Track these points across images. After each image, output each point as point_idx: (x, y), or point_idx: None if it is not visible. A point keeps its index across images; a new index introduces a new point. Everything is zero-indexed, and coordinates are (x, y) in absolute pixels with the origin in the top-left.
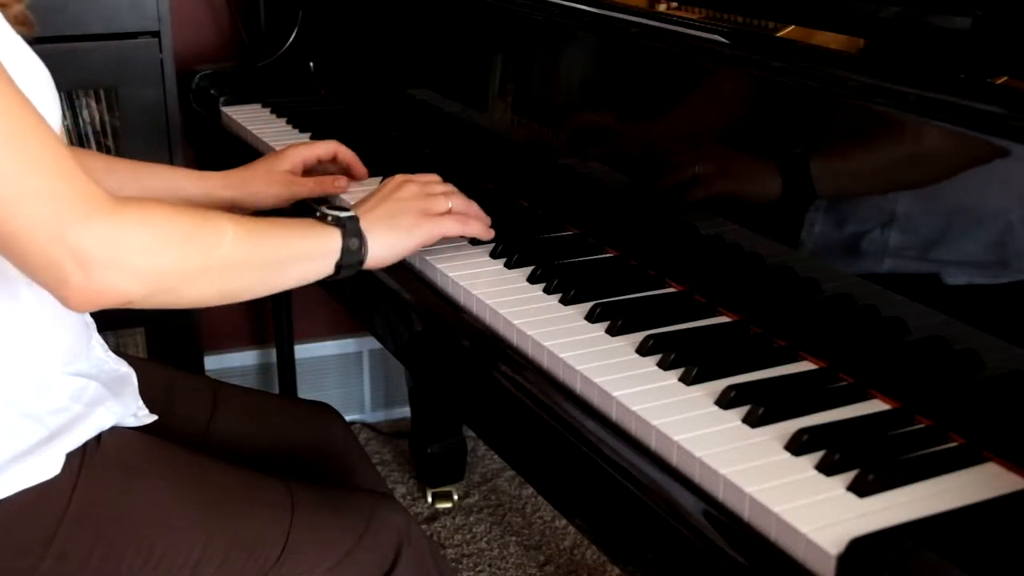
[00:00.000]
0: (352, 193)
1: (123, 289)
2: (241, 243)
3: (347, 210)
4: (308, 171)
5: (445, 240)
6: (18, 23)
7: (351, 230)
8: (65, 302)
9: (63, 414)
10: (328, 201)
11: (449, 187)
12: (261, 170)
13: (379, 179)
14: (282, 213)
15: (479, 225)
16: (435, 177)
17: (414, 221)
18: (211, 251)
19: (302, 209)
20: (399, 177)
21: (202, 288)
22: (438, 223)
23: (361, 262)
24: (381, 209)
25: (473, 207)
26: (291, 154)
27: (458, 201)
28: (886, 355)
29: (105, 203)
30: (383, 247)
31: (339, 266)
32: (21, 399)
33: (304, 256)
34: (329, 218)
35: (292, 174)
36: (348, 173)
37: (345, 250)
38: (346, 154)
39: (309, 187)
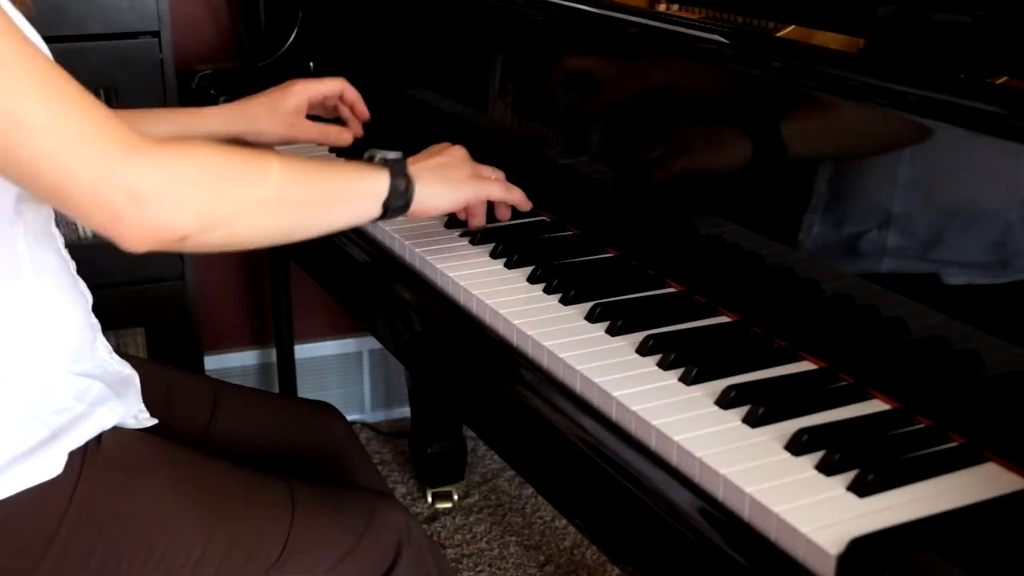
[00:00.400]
0: None
1: (178, 222)
2: (288, 179)
3: (396, 151)
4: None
5: (446, 240)
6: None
7: (398, 170)
8: (121, 240)
9: (66, 414)
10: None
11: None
12: (265, 105)
13: None
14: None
15: (521, 195)
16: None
17: (463, 176)
18: (259, 186)
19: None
20: (447, 144)
21: (254, 223)
22: (485, 184)
23: (407, 204)
24: (432, 161)
25: (509, 184)
26: (297, 91)
27: (501, 174)
28: (886, 355)
29: (146, 141)
30: (430, 193)
31: (386, 206)
32: (26, 399)
33: (352, 195)
34: (377, 158)
35: (297, 114)
36: (352, 111)
37: (392, 190)
38: (351, 93)
39: (312, 135)
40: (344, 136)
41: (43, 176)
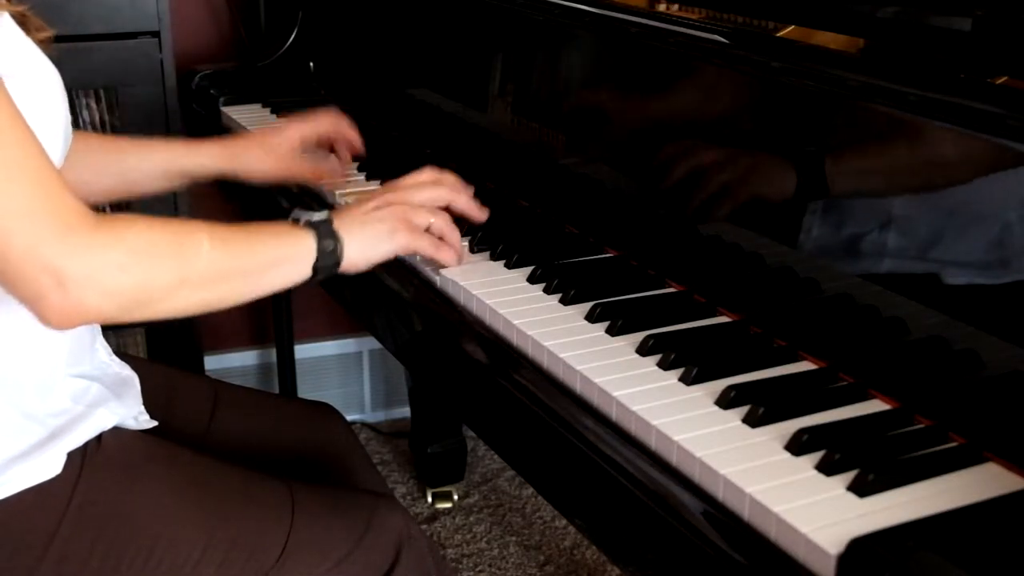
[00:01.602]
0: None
1: (100, 307)
2: (217, 254)
3: (321, 212)
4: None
5: None
6: (25, 27)
7: (324, 232)
8: (42, 318)
9: (64, 415)
10: (303, 202)
11: (437, 192)
12: (257, 143)
13: (378, 182)
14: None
15: (449, 254)
16: (427, 178)
17: (391, 228)
18: (188, 265)
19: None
20: (383, 188)
21: (180, 301)
22: (415, 237)
23: (337, 263)
24: (358, 212)
25: (454, 231)
26: (289, 133)
27: (439, 221)
28: (886, 355)
29: (83, 220)
30: (359, 249)
31: (316, 268)
32: (24, 400)
33: (280, 261)
34: (302, 221)
35: (291, 153)
36: (350, 147)
37: (320, 251)
38: (343, 128)
39: (304, 174)
40: (336, 174)
41: None
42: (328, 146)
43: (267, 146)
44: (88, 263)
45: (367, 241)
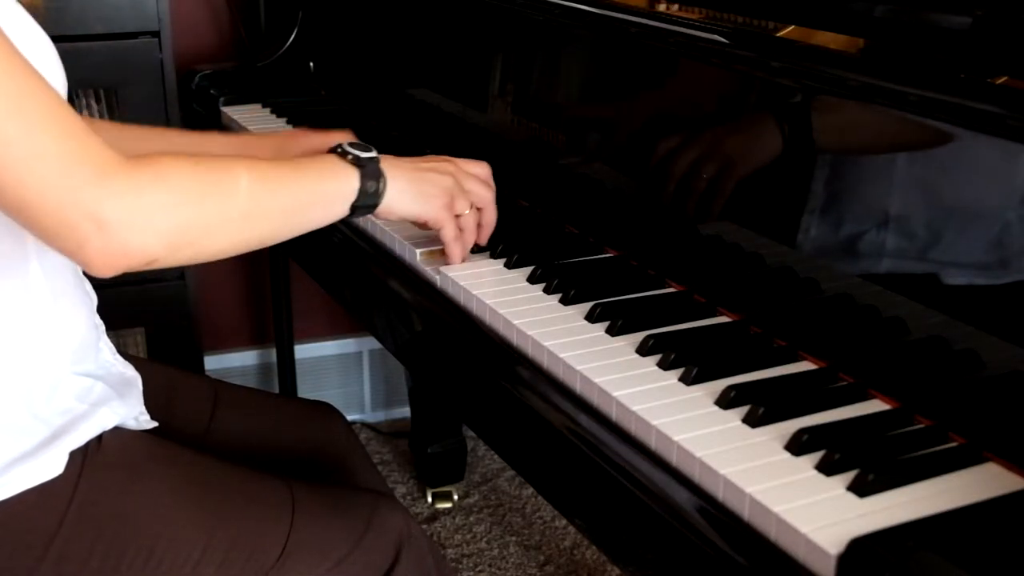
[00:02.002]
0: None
1: (145, 248)
2: (257, 190)
3: (370, 149)
4: None
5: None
6: None
7: (370, 171)
8: (87, 266)
9: (68, 414)
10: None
11: (484, 194)
12: (271, 146)
13: None
14: None
15: (460, 250)
16: (484, 173)
17: (436, 194)
18: (229, 201)
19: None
20: (442, 157)
21: (224, 239)
22: (446, 216)
23: (375, 205)
24: (410, 165)
25: (473, 234)
26: (307, 141)
27: (471, 220)
28: (886, 355)
29: (118, 162)
30: (399, 198)
31: (353, 207)
32: (30, 399)
33: (321, 199)
34: (349, 156)
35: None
36: None
37: (362, 191)
38: None
39: None
40: None
41: (6, 193)
42: None
43: (282, 151)
44: (129, 205)
45: (408, 193)
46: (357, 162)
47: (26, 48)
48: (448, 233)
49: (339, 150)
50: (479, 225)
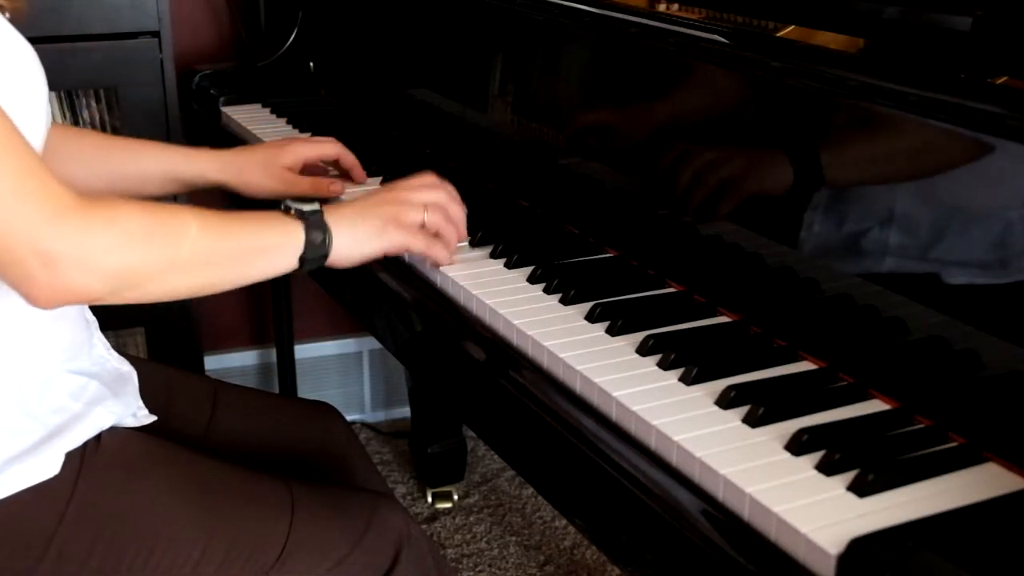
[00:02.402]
0: (350, 194)
1: (88, 287)
2: (205, 239)
3: (313, 203)
4: (307, 168)
5: None
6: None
7: (314, 223)
8: (30, 299)
9: (62, 413)
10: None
11: (436, 195)
12: (259, 159)
13: (379, 180)
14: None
15: (443, 252)
16: (428, 180)
17: (382, 226)
18: (175, 249)
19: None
20: (382, 192)
21: (167, 284)
22: (407, 235)
23: (325, 256)
24: (350, 208)
25: (450, 227)
26: (293, 150)
27: (435, 217)
28: (886, 355)
29: (71, 202)
30: (348, 244)
31: (302, 259)
32: (22, 397)
33: (267, 249)
34: (292, 211)
35: (292, 170)
36: (347, 176)
37: (308, 243)
38: (348, 158)
39: (304, 188)
40: (335, 187)
41: None
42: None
43: (270, 165)
44: (77, 244)
45: (357, 237)
46: (300, 215)
47: (2, 61)
48: (417, 246)
49: (283, 207)
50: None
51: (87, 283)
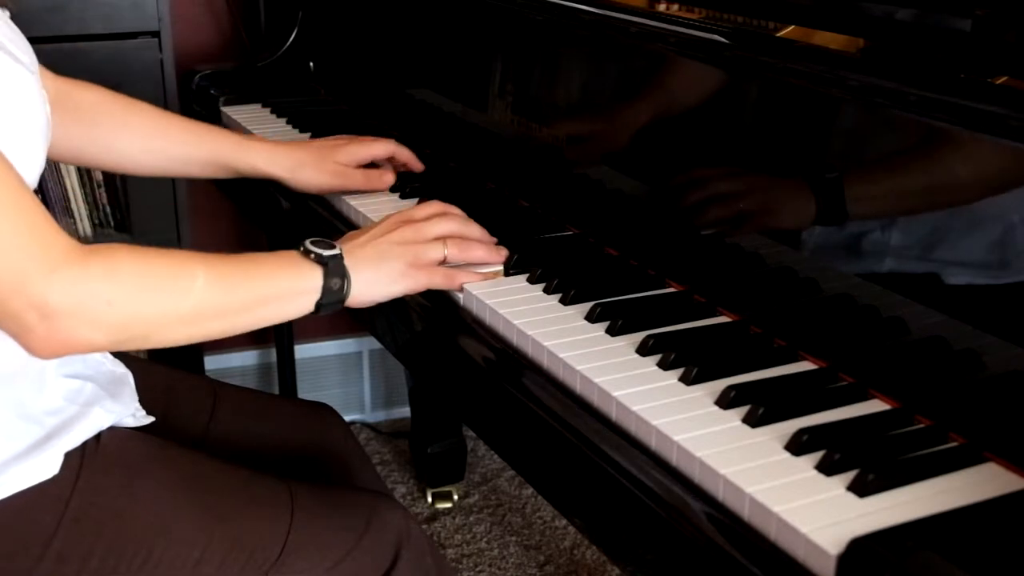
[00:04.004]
0: (371, 202)
1: (88, 339)
2: (212, 290)
3: (333, 247)
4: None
5: None
6: None
7: (333, 269)
8: (29, 350)
9: (59, 415)
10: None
11: (448, 224)
12: (313, 157)
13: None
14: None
15: (465, 277)
16: (435, 209)
17: (403, 269)
18: (180, 300)
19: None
20: (395, 217)
21: (173, 334)
22: (427, 275)
23: (342, 301)
24: (370, 248)
25: (472, 252)
26: (348, 151)
27: (454, 250)
28: (886, 355)
29: (70, 253)
30: (366, 289)
31: (319, 305)
32: (18, 399)
33: (282, 296)
34: (312, 255)
35: (346, 167)
36: (405, 168)
37: (326, 289)
38: (402, 153)
39: (358, 182)
40: (387, 179)
41: None
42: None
43: (324, 161)
44: (75, 297)
45: (379, 280)
46: (320, 260)
47: (7, 90)
48: (439, 284)
49: (301, 249)
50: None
51: (86, 336)
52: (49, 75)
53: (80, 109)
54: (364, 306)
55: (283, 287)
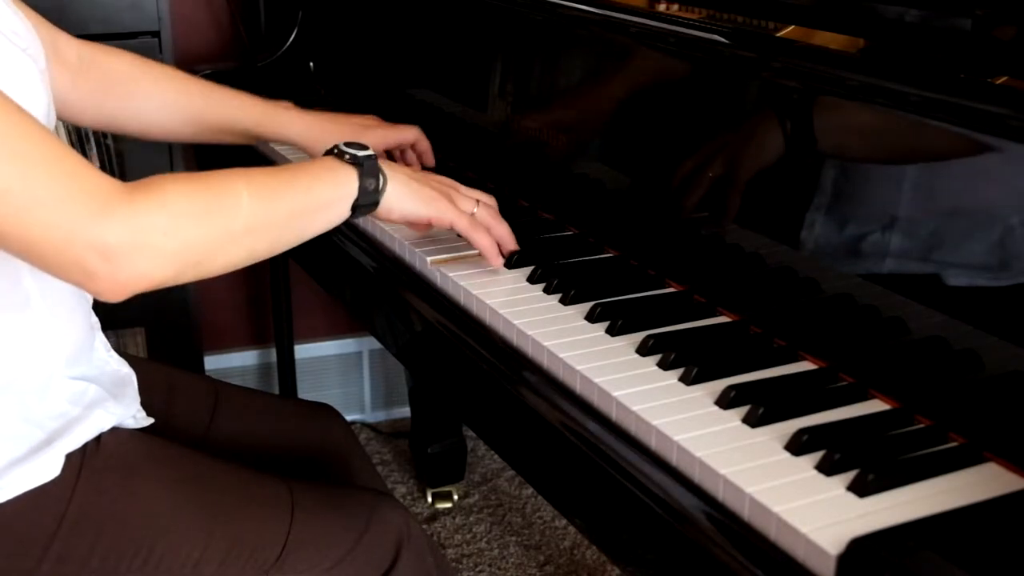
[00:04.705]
0: None
1: (152, 273)
2: (258, 203)
3: (366, 148)
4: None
5: (447, 240)
6: None
7: (369, 169)
8: (98, 295)
9: (62, 418)
10: None
11: (487, 198)
12: (341, 133)
13: None
14: None
15: (486, 239)
16: (479, 194)
17: (435, 194)
18: (231, 219)
19: None
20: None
21: (230, 254)
22: (455, 212)
23: (376, 203)
24: (410, 172)
25: (501, 227)
26: (377, 134)
27: (485, 213)
28: (886, 355)
29: (116, 192)
30: (397, 200)
31: (355, 207)
32: (23, 403)
33: (323, 203)
34: (347, 156)
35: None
36: (420, 159)
37: (362, 190)
38: (423, 143)
39: None
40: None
41: (11, 239)
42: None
43: (352, 137)
44: (131, 233)
45: (410, 194)
46: (355, 161)
47: (4, 74)
48: (461, 224)
49: (335, 151)
50: (499, 220)
51: (149, 269)
52: (75, 42)
53: (109, 77)
54: (393, 218)
55: (323, 194)
